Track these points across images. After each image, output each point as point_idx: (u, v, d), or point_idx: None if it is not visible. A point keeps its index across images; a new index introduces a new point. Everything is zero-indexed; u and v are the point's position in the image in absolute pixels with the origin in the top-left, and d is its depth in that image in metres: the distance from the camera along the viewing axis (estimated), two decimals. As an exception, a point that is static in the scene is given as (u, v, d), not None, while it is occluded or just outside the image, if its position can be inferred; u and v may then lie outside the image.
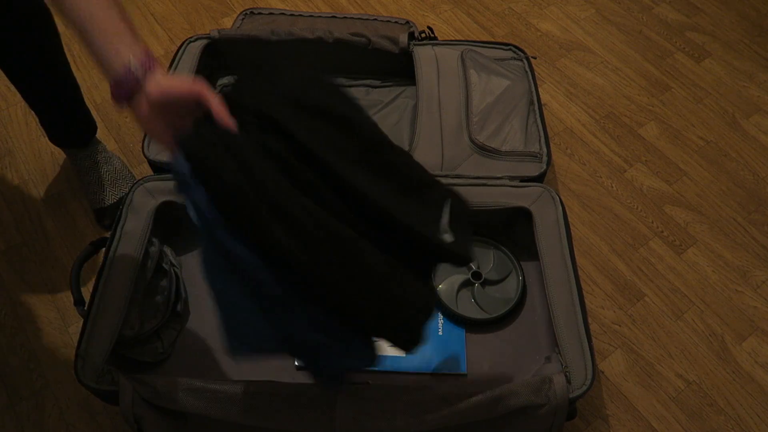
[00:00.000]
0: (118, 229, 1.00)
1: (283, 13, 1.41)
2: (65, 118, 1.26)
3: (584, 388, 0.86)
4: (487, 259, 1.12)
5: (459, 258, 0.78)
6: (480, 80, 1.22)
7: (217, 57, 1.35)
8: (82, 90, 1.25)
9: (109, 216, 1.27)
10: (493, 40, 1.60)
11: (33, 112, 1.26)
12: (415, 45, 1.29)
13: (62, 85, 1.21)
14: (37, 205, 1.30)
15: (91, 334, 0.89)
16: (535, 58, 1.35)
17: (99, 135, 1.40)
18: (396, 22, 1.39)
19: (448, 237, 0.76)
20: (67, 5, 0.67)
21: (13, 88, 1.17)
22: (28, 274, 1.20)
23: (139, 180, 1.07)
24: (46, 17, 1.09)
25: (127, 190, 1.27)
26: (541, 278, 1.00)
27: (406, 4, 1.73)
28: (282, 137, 0.70)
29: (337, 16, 1.40)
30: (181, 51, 1.27)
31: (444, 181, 1.07)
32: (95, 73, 1.51)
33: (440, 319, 1.07)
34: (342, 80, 1.38)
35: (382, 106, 1.34)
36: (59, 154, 1.37)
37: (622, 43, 1.65)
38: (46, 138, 1.36)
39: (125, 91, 0.68)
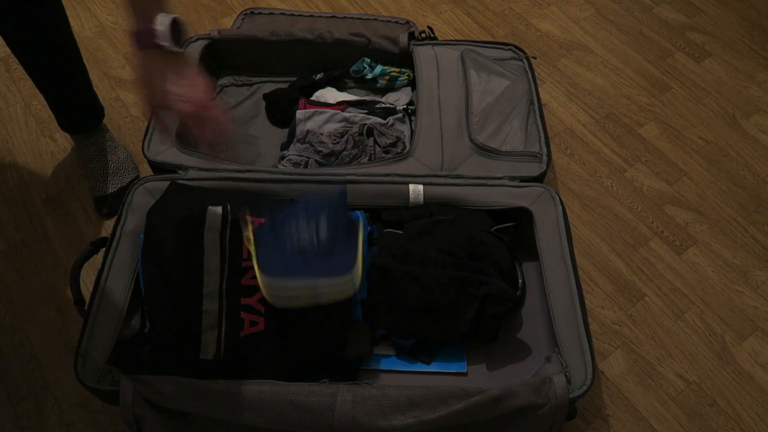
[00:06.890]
0: (118, 229, 1.00)
1: (283, 13, 1.41)
2: (72, 101, 1.25)
3: (584, 388, 0.86)
4: (487, 259, 1.12)
5: None
6: (480, 80, 1.22)
7: (217, 57, 1.35)
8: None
9: (109, 205, 1.27)
10: (493, 40, 1.60)
11: (48, 107, 1.24)
12: (415, 45, 1.29)
13: (69, 66, 1.20)
14: (37, 205, 1.30)
15: (91, 334, 0.89)
16: (535, 58, 1.35)
17: (99, 135, 1.40)
18: (396, 22, 1.39)
19: None
20: None
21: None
22: (28, 274, 1.20)
23: (140, 180, 1.07)
24: None
25: (129, 180, 1.28)
26: (541, 278, 1.00)
27: (406, 4, 1.73)
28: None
29: (337, 16, 1.40)
30: (181, 51, 1.27)
31: (444, 181, 1.08)
32: (95, 73, 1.51)
33: (440, 319, 1.07)
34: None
35: (382, 106, 1.34)
36: (59, 154, 1.37)
37: (622, 43, 1.65)
38: (46, 138, 1.36)
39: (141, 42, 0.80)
